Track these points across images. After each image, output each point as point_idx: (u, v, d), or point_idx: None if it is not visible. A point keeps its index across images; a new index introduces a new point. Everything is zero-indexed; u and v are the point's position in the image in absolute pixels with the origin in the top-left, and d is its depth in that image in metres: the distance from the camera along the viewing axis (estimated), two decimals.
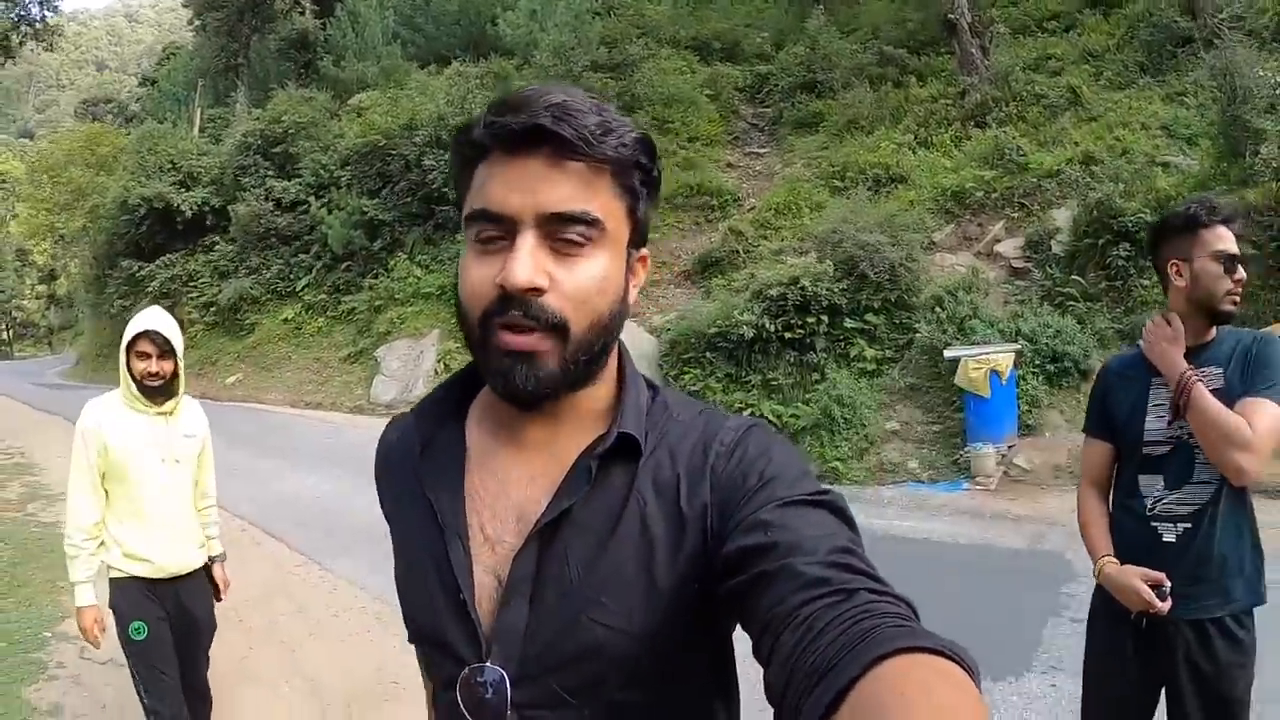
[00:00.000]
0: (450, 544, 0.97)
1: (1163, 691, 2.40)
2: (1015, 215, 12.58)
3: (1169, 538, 2.33)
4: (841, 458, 9.73)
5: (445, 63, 25.90)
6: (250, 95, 31.01)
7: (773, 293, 10.97)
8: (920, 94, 16.22)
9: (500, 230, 0.88)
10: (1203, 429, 2.23)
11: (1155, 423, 2.37)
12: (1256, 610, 2.37)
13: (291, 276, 22.25)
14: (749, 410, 10.51)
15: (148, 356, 3.33)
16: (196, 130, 31.79)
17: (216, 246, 24.60)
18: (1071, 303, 10.81)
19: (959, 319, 10.46)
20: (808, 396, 10.49)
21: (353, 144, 21.37)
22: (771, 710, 0.75)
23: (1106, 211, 11.15)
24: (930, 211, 13.08)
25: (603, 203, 0.89)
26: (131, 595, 3.41)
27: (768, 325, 10.87)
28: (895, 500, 8.43)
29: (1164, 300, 2.45)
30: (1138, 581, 2.22)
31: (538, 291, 0.86)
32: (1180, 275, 2.35)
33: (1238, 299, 2.32)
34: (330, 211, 20.97)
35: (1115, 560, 2.33)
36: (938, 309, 10.71)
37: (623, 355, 1.03)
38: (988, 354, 9.20)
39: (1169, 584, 2.20)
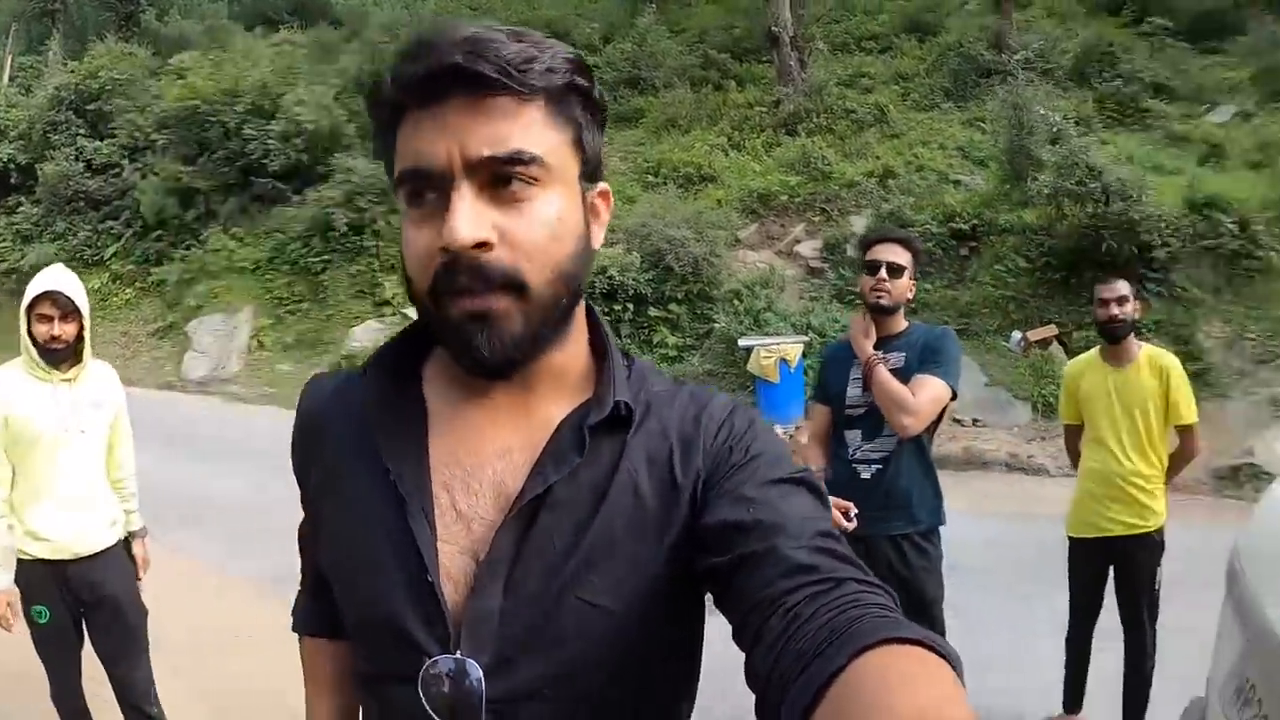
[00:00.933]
0: (414, 519, 0.87)
1: None
2: (816, 219, 13.72)
3: (865, 475, 3.15)
4: None
5: (273, 26, 25.35)
6: (66, 45, 28.92)
7: None
8: (738, 99, 17.18)
9: (432, 188, 0.81)
10: (880, 398, 3.04)
11: (854, 391, 3.18)
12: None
13: (99, 244, 20.94)
14: None
15: (49, 320, 3.12)
16: (5, 79, 29.60)
17: (20, 208, 22.73)
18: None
19: (755, 312, 11.52)
20: None
21: (171, 107, 20.36)
22: (725, 697, 0.92)
23: (897, 221, 12.32)
24: (737, 210, 14.00)
25: (540, 138, 0.81)
26: (33, 578, 3.22)
27: None
28: None
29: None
30: (833, 502, 2.96)
31: (485, 246, 0.79)
32: (860, 283, 3.29)
33: (881, 295, 3.12)
34: (144, 177, 20.04)
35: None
36: (736, 301, 11.81)
37: (592, 312, 0.97)
38: (778, 344, 10.26)
39: (855, 509, 2.95)
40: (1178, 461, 3.86)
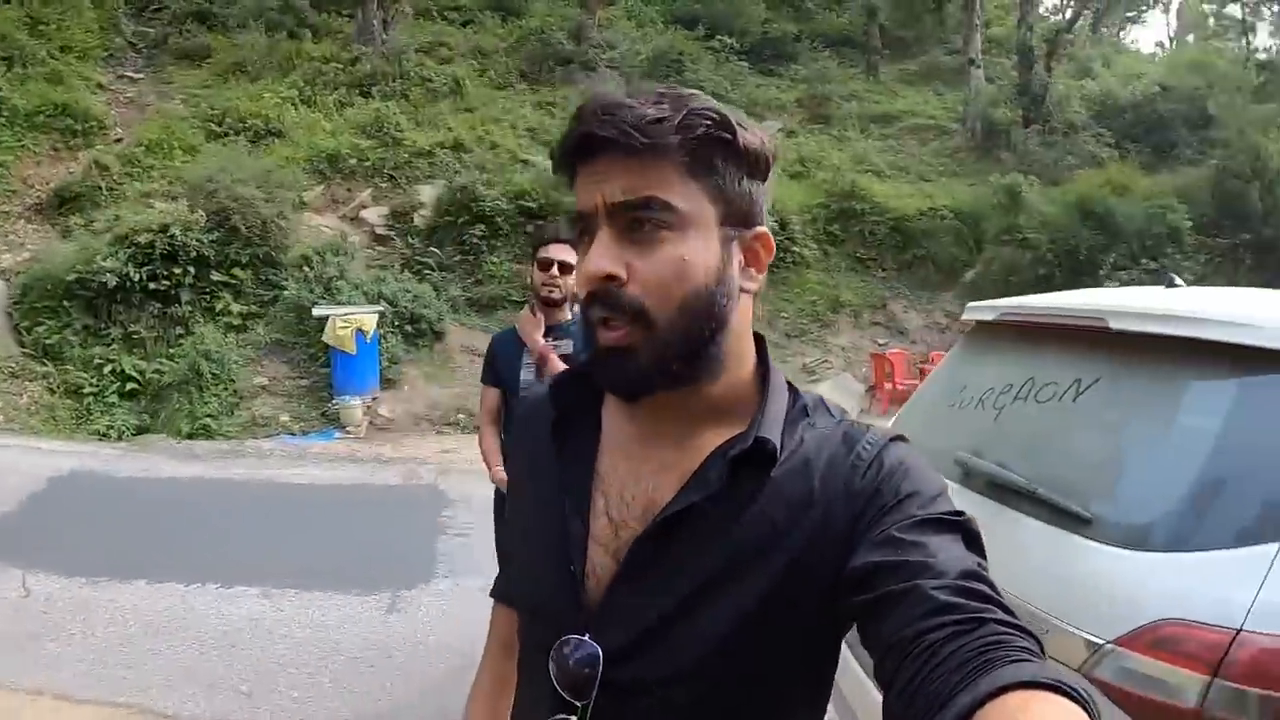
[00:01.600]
0: (570, 518, 1.02)
1: None
2: (384, 185, 13.90)
3: None
4: (213, 414, 9.89)
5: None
6: None
7: (140, 239, 10.71)
8: (313, 51, 16.84)
9: (587, 230, 0.94)
10: None
11: (527, 376, 3.52)
12: None
13: None
14: (109, 366, 10.14)
15: None
16: None
17: None
18: (429, 272, 12.57)
19: (327, 279, 11.36)
20: (172, 351, 10.44)
21: None
22: None
23: (469, 196, 13.14)
24: (305, 171, 13.71)
25: (672, 187, 0.91)
26: None
27: (132, 274, 10.56)
28: (276, 451, 9.06)
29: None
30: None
31: (614, 280, 0.91)
32: (531, 277, 3.65)
33: (553, 290, 3.51)
34: None
35: (501, 468, 3.38)
36: (306, 268, 11.45)
37: (763, 349, 1.06)
38: (354, 314, 10.30)
39: None
40: None
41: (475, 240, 13.02)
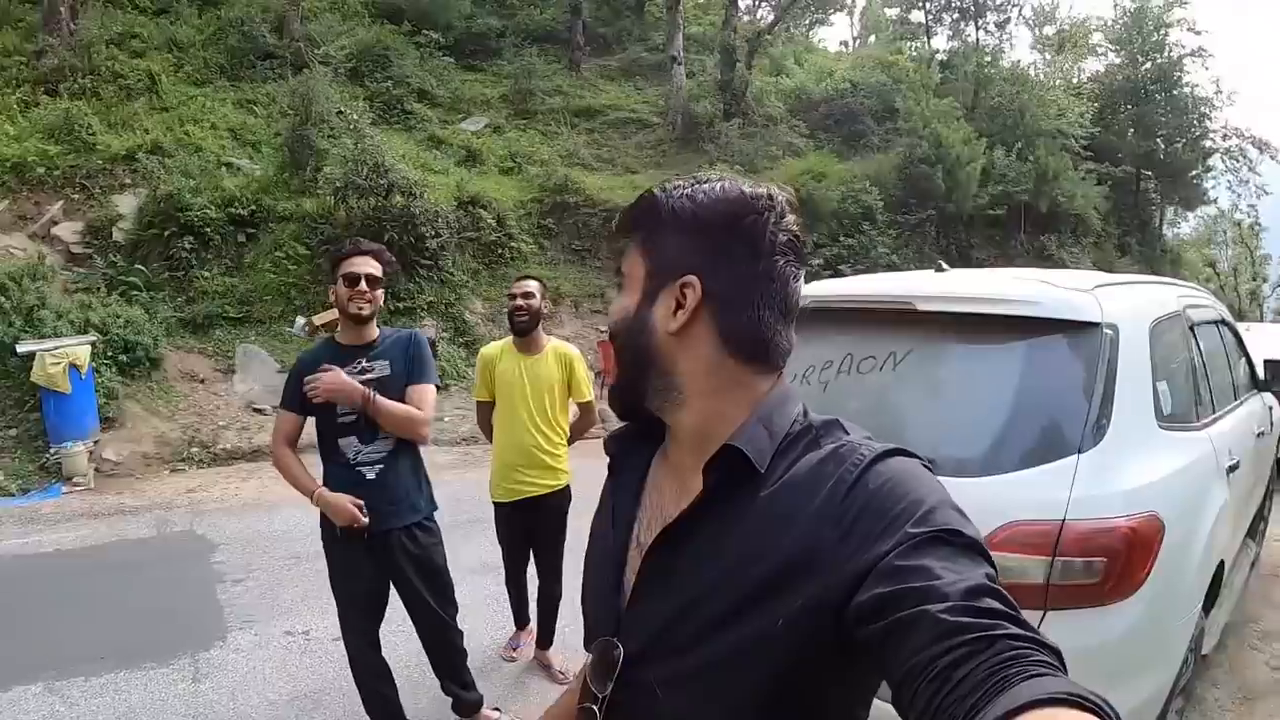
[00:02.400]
0: (612, 539, 1.28)
1: (391, 583, 3.79)
2: (76, 197, 13.02)
3: (370, 476, 3.61)
4: None
5: None
6: None
7: None
8: None
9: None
10: (394, 426, 3.57)
11: (340, 408, 3.56)
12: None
13: None
14: None
15: None
16: None
17: None
18: (136, 292, 11.92)
19: (26, 309, 10.40)
20: None
21: None
22: None
23: (174, 204, 12.64)
24: None
25: (629, 257, 1.25)
26: None
27: None
28: (2, 519, 8.02)
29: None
30: (347, 500, 3.49)
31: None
32: (332, 294, 3.65)
33: (363, 306, 3.55)
34: None
35: (325, 488, 3.54)
36: (2, 298, 10.38)
37: (778, 381, 1.22)
38: (63, 346, 9.40)
39: (365, 504, 3.51)
40: (579, 428, 4.92)
41: (184, 254, 12.52)
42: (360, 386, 3.49)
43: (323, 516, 3.65)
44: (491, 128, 20.00)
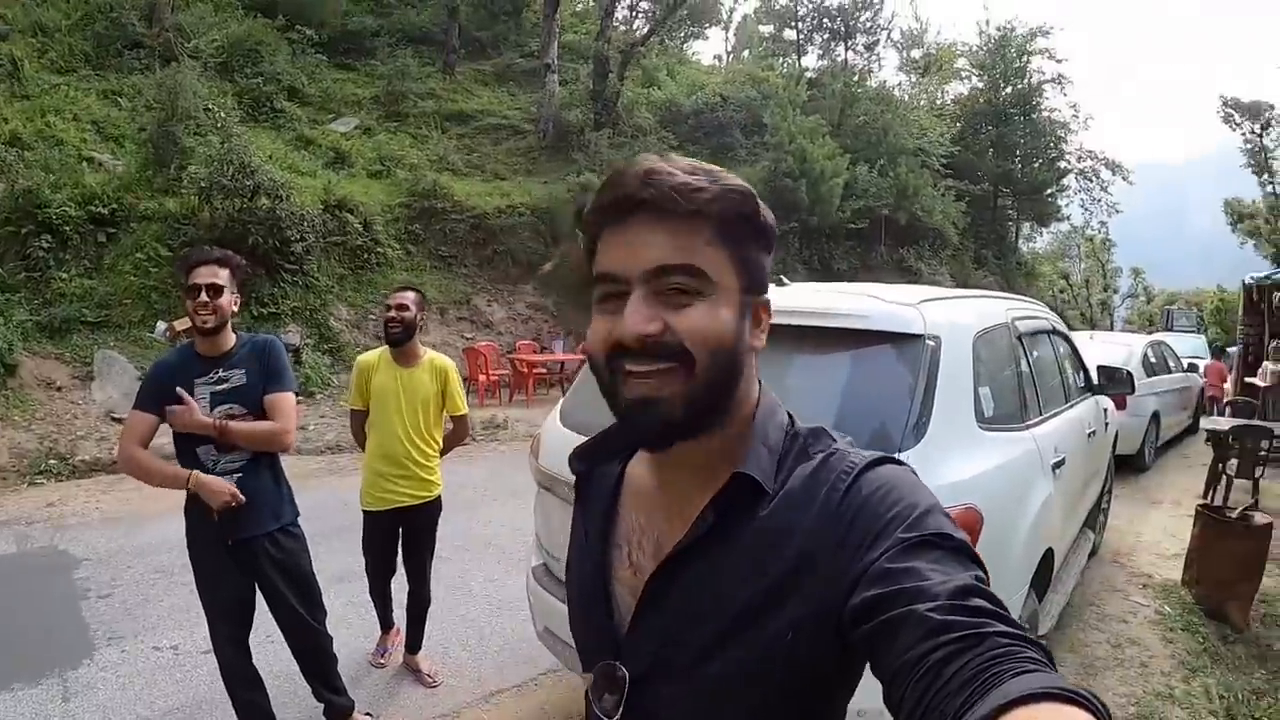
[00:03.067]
0: (596, 566, 1.26)
1: (258, 590, 3.77)
2: None
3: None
4: None
5: None
6: None
7: None
8: None
9: (616, 289, 1.07)
10: (255, 444, 3.58)
11: (214, 405, 3.53)
12: None
13: None
14: None
15: None
16: None
17: None
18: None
19: None
20: None
21: None
22: None
23: (32, 200, 12.32)
24: None
25: (704, 253, 1.05)
26: None
27: None
28: None
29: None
30: (226, 485, 3.47)
31: (650, 338, 1.04)
32: (188, 309, 3.56)
33: (207, 319, 3.48)
34: None
35: (198, 472, 3.49)
36: None
37: (763, 393, 1.19)
38: None
39: (225, 513, 3.49)
40: (452, 441, 4.99)
41: (42, 253, 12.22)
42: (208, 420, 3.48)
43: (189, 525, 3.68)
44: (362, 129, 20.19)
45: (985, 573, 0.95)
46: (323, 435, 11.94)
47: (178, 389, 3.50)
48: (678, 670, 1.12)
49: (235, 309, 3.63)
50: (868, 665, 0.99)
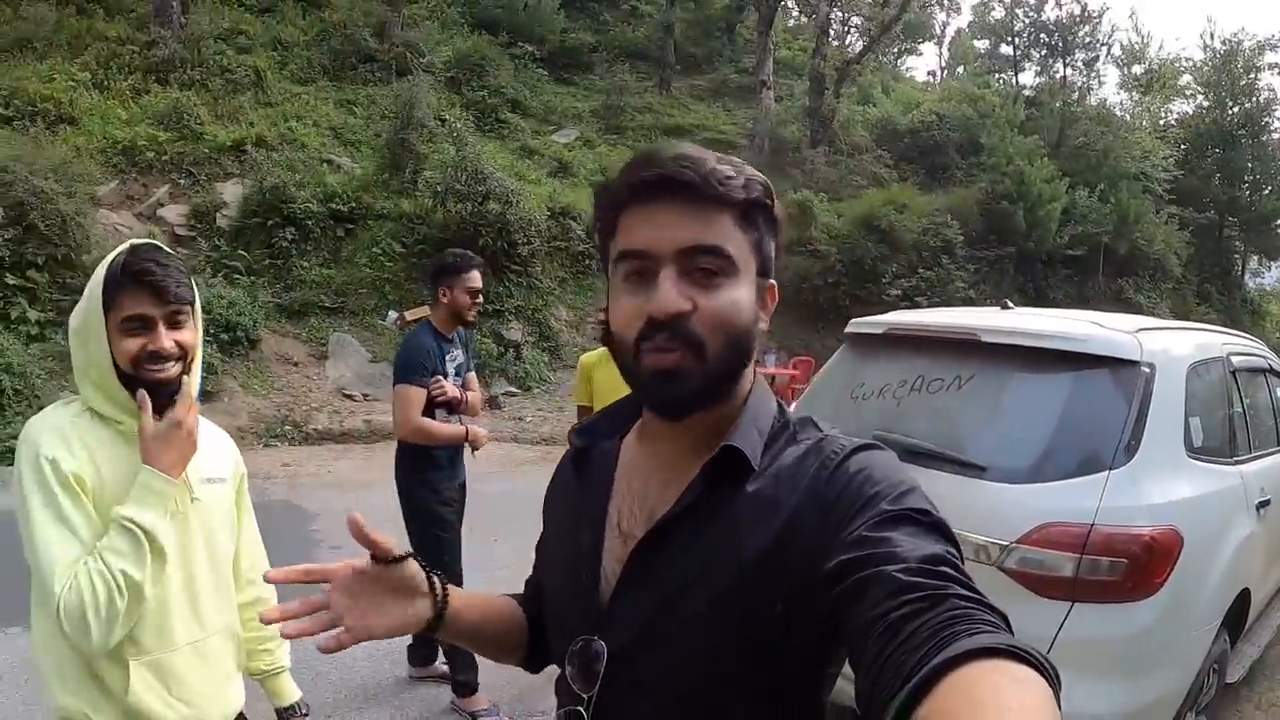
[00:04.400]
0: (581, 533, 1.22)
1: None
2: (183, 182, 13.44)
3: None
4: (18, 435, 8.60)
5: None
6: None
7: None
8: (106, 30, 15.79)
9: (644, 266, 1.08)
10: (470, 411, 4.47)
11: (454, 379, 4.34)
12: None
13: None
14: None
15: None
16: None
17: None
18: (237, 276, 12.29)
19: None
20: None
21: None
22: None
23: (279, 196, 12.99)
24: (98, 163, 12.82)
25: (730, 237, 1.09)
26: None
27: None
28: None
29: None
30: (481, 431, 4.39)
31: (684, 315, 1.06)
32: (445, 295, 4.29)
33: (476, 313, 4.36)
34: None
35: (470, 425, 4.32)
36: None
37: (756, 380, 1.21)
38: None
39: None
40: None
41: (285, 244, 12.91)
42: (457, 391, 4.37)
43: (429, 473, 4.38)
44: (582, 140, 20.15)
45: (958, 550, 0.96)
46: (539, 427, 12.37)
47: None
48: (661, 641, 1.10)
49: None
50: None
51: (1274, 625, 5.24)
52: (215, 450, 2.21)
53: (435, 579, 1.25)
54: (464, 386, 4.41)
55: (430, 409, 4.21)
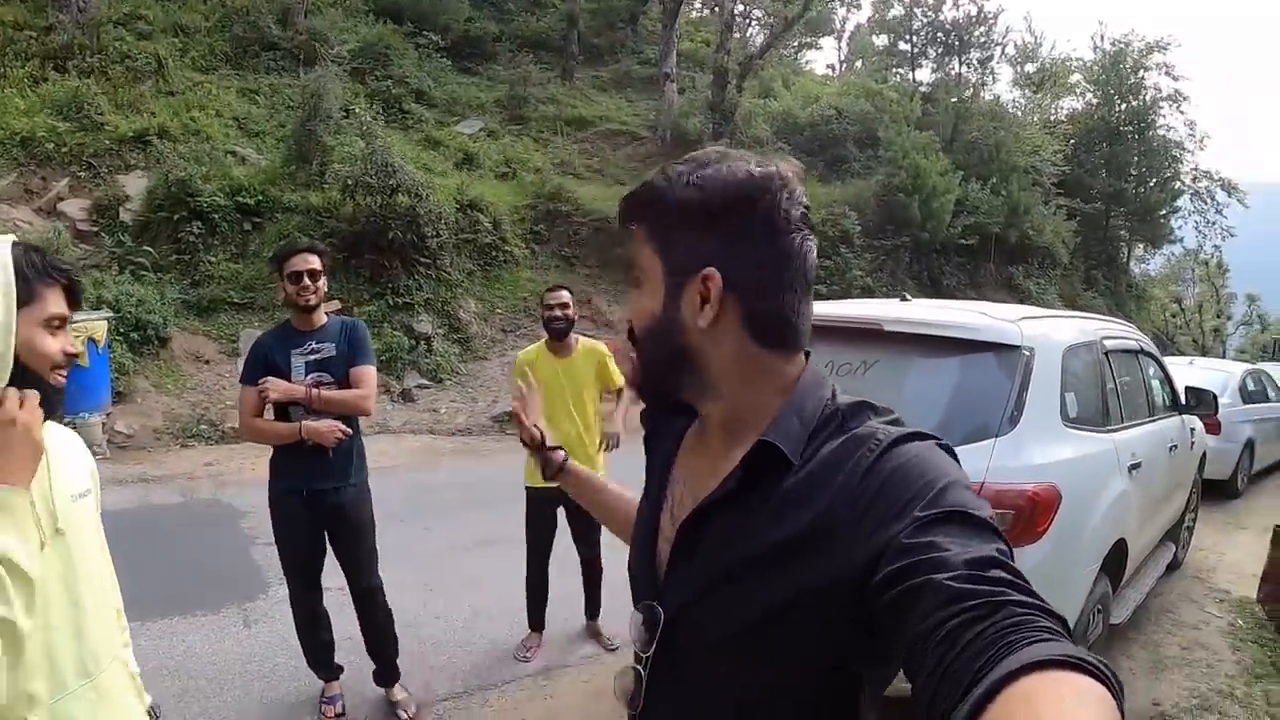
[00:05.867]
0: (647, 514, 1.39)
1: (326, 534, 4.24)
2: (83, 175, 13.37)
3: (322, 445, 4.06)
4: None
5: None
6: None
7: None
8: (1, 15, 15.70)
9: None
10: (340, 408, 4.07)
11: (296, 376, 4.04)
12: None
13: None
14: None
15: None
16: None
17: None
18: (144, 272, 12.31)
19: None
20: None
21: None
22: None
23: (185, 189, 13.01)
24: None
25: (640, 250, 1.23)
26: None
27: None
28: None
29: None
30: (330, 421, 4.01)
31: (628, 324, 1.28)
32: (280, 290, 4.13)
33: (309, 298, 4.02)
34: None
35: (312, 421, 4.00)
36: None
37: (803, 373, 1.25)
38: (83, 321, 9.41)
39: (311, 468, 4.08)
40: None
41: (192, 238, 12.94)
42: (299, 388, 4.05)
43: (272, 478, 4.24)
44: (486, 131, 20.54)
45: (1008, 546, 0.96)
46: (454, 419, 12.79)
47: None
48: (703, 615, 1.18)
49: (324, 290, 4.18)
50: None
51: (1154, 575, 6.14)
52: (75, 460, 2.02)
53: (555, 456, 1.89)
54: (341, 383, 4.14)
55: (284, 408, 4.11)
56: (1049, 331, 4.48)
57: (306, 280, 4.04)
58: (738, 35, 29.07)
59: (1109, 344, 5.35)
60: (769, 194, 1.16)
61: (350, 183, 14.16)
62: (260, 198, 13.97)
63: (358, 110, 15.83)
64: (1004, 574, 0.90)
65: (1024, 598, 0.87)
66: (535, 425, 1.99)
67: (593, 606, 5.49)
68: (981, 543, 0.95)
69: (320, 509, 4.17)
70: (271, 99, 17.02)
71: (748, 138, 24.09)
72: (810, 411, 1.19)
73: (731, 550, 1.16)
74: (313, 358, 4.12)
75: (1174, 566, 7.41)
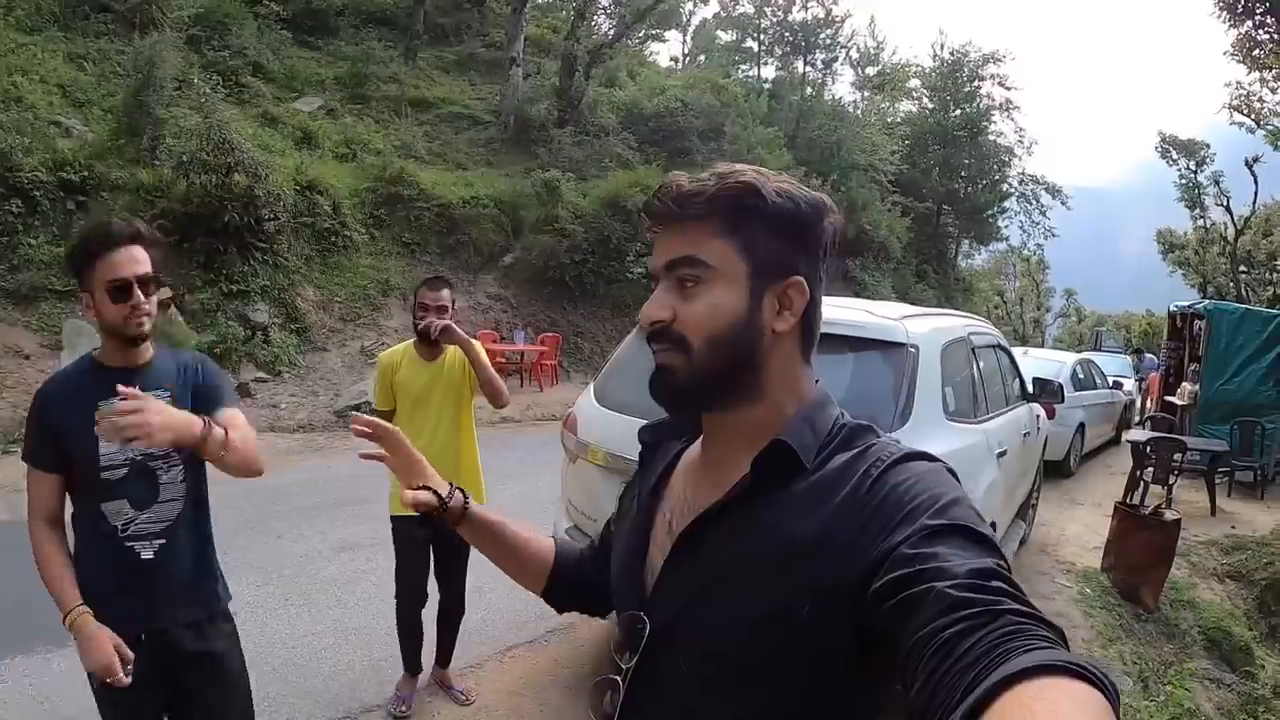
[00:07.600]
0: (637, 524, 1.41)
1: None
2: None
3: (147, 555, 2.55)
4: None
5: None
6: None
7: None
8: None
9: (655, 282, 1.29)
10: (239, 465, 2.55)
11: (109, 448, 2.45)
12: None
13: None
14: None
15: None
16: None
17: None
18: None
19: None
20: None
21: None
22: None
23: (4, 163, 12.13)
24: None
25: (707, 245, 1.22)
26: None
27: None
28: None
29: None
30: (111, 652, 2.38)
31: (663, 322, 1.24)
32: (88, 308, 2.49)
33: (143, 322, 2.48)
34: None
35: (89, 611, 2.42)
36: None
37: (815, 390, 1.31)
38: None
39: (131, 660, 2.42)
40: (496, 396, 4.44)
41: (10, 218, 12.17)
42: (196, 416, 2.42)
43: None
44: (325, 110, 20.51)
45: (1006, 562, 0.99)
46: (294, 414, 12.43)
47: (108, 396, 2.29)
48: (696, 627, 1.21)
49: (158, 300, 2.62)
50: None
51: (1010, 552, 6.71)
52: None
53: (454, 493, 1.62)
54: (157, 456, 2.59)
55: (97, 493, 2.56)
56: (929, 329, 4.71)
57: (137, 293, 2.46)
58: (583, 22, 29.67)
59: (975, 339, 5.73)
60: (832, 218, 1.27)
61: (185, 159, 13.71)
62: (86, 174, 13.25)
63: (195, 81, 15.34)
64: (1004, 585, 0.92)
65: (1022, 608, 0.89)
66: (420, 486, 1.62)
67: (443, 654, 4.90)
68: (983, 556, 0.97)
69: (165, 660, 2.65)
70: (101, 65, 16.33)
71: (593, 126, 24.87)
72: (821, 424, 1.25)
73: (733, 551, 1.19)
74: None
75: (1023, 542, 8.06)
